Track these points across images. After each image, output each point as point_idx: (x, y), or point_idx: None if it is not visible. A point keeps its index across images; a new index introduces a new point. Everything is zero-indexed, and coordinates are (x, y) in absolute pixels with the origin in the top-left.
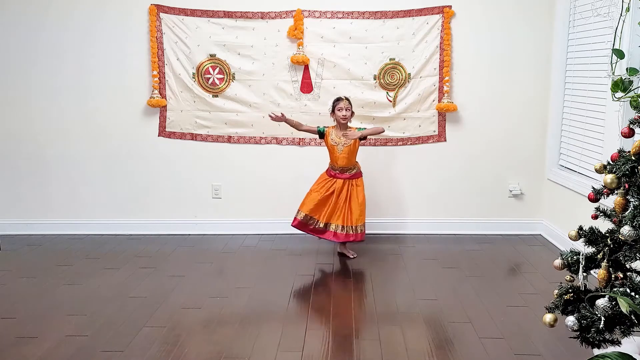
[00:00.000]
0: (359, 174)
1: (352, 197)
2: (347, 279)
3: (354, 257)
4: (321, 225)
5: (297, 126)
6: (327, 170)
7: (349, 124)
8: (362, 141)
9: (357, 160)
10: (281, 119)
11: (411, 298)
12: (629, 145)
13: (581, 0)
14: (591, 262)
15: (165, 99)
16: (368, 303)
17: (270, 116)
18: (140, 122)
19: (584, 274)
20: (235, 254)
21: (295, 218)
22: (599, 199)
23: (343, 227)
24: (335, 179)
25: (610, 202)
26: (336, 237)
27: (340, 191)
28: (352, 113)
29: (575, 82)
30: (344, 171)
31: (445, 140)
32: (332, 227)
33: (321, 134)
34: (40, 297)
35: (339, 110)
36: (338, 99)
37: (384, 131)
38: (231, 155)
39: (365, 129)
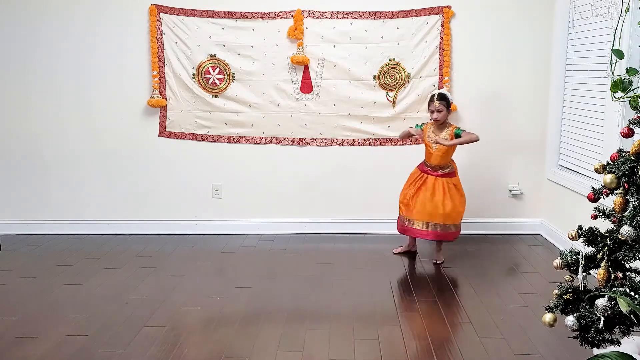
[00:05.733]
0: (452, 173)
1: (446, 196)
2: (346, 279)
3: (441, 262)
4: (414, 225)
5: (408, 135)
6: (419, 164)
7: (449, 121)
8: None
9: (452, 159)
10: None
11: (411, 298)
12: (628, 145)
13: (581, 0)
14: (591, 262)
15: (166, 99)
16: (367, 303)
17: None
18: (141, 122)
19: (584, 273)
20: (235, 254)
21: (400, 224)
22: (599, 198)
23: (434, 224)
24: (426, 175)
25: (609, 202)
26: (427, 236)
27: (432, 188)
28: (449, 111)
29: (575, 82)
30: (437, 169)
31: None
32: (423, 226)
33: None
34: (40, 297)
35: (430, 112)
36: (430, 99)
37: (478, 140)
38: (231, 156)
39: (463, 131)
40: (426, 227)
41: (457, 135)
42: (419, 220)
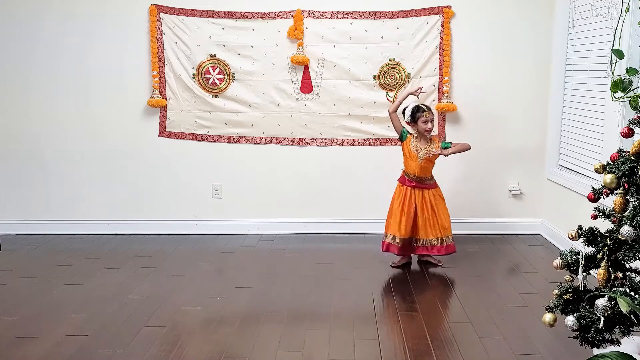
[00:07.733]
0: (435, 184)
1: (436, 209)
2: (346, 279)
3: (441, 265)
4: (414, 243)
5: (395, 109)
6: (400, 178)
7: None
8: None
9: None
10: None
11: (411, 298)
12: (628, 145)
13: (581, 1)
14: (591, 262)
15: (166, 99)
16: (367, 303)
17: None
18: (141, 122)
19: (584, 273)
20: (235, 254)
21: (386, 243)
22: (599, 198)
23: (436, 239)
24: (413, 190)
25: (609, 202)
26: (430, 251)
27: (422, 204)
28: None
29: (575, 82)
30: (422, 181)
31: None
32: (425, 242)
33: (402, 138)
34: (40, 297)
35: (424, 122)
36: (419, 109)
37: (470, 148)
38: (231, 156)
39: (450, 143)
40: (440, 243)
41: (446, 147)
42: (427, 237)
